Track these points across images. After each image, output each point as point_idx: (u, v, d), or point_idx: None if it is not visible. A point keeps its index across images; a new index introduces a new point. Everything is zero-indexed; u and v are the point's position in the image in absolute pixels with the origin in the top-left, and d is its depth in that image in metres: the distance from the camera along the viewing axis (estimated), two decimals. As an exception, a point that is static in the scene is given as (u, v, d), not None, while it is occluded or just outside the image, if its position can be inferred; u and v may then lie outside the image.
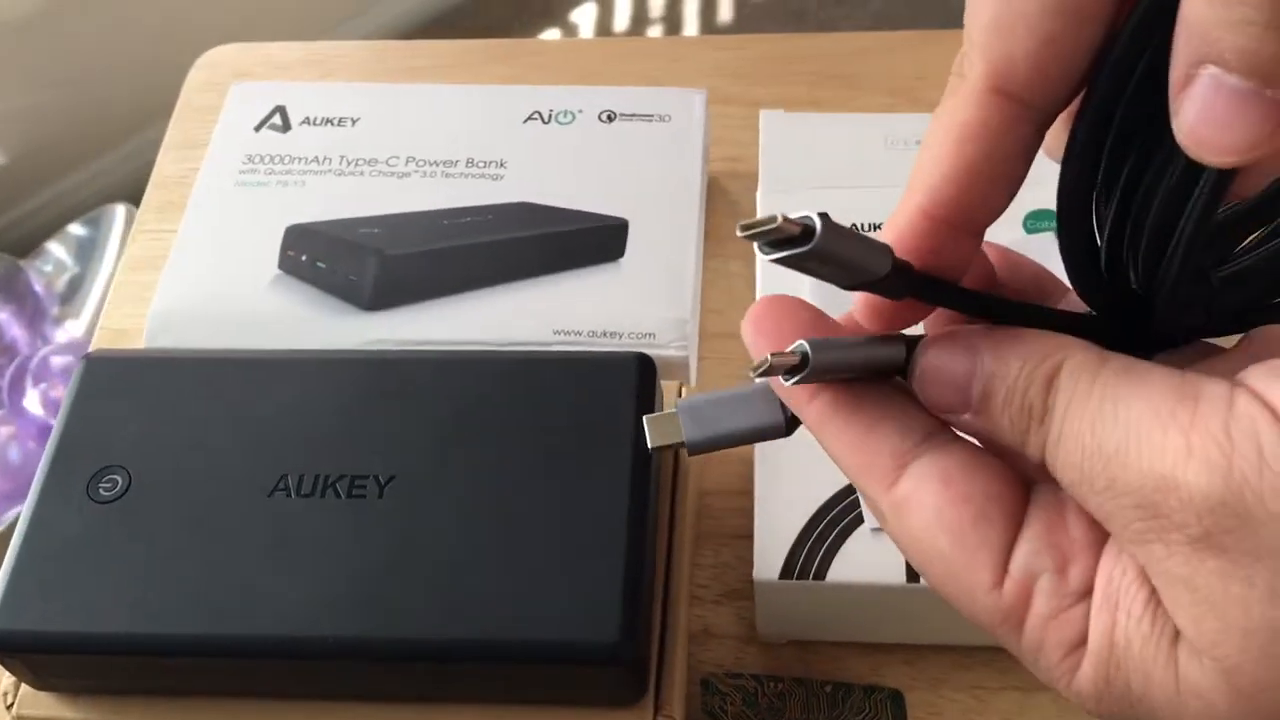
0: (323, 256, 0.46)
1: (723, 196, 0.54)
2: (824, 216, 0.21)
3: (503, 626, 0.35)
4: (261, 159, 0.50)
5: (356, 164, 0.50)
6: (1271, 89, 0.19)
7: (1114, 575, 0.22)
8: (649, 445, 0.26)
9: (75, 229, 1.44)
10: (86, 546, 0.37)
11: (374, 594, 0.36)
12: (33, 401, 1.30)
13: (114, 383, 0.40)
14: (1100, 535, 0.23)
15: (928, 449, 0.24)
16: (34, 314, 1.38)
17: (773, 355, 0.23)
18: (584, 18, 1.71)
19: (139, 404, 0.40)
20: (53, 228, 1.48)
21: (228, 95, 0.53)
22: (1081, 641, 0.22)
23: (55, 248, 1.43)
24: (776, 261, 0.22)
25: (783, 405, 0.26)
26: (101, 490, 0.38)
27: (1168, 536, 0.21)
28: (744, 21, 1.69)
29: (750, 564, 0.44)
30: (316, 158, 0.50)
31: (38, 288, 1.39)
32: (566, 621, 0.35)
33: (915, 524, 0.24)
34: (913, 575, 0.39)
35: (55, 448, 0.39)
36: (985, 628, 0.24)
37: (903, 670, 0.42)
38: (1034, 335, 0.23)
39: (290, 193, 0.49)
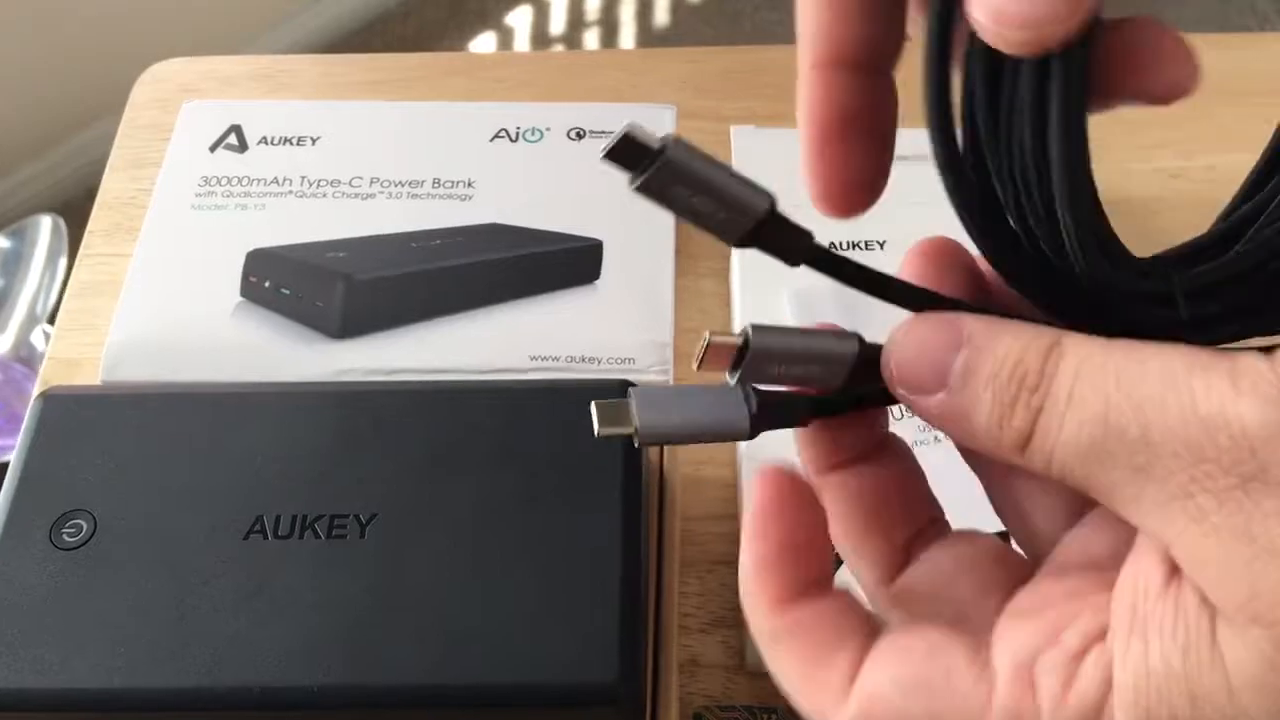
0: (287, 282, 0.44)
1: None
2: (679, 139, 0.21)
3: (495, 669, 0.34)
4: (219, 181, 0.48)
5: (319, 185, 0.48)
6: None
7: (1138, 599, 0.21)
8: (595, 431, 0.24)
9: (-1, 241, 1.40)
10: (51, 596, 0.35)
11: (359, 639, 0.34)
12: (-42, 421, 1.26)
13: (74, 421, 0.39)
14: (1096, 579, 0.22)
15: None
16: (-43, 330, 1.34)
17: (711, 333, 0.23)
18: (519, 21, 1.70)
19: (102, 443, 0.38)
20: (-25, 240, 1.43)
21: (179, 113, 0.51)
22: (1104, 695, 0.21)
23: (-22, 261, 1.39)
24: (639, 190, 0.21)
25: (748, 401, 0.24)
26: (65, 536, 0.36)
27: (1217, 483, 0.19)
28: (680, 25, 1.69)
29: (736, 590, 0.43)
30: (276, 179, 0.48)
31: (-40, 303, 1.35)
32: (562, 662, 0.34)
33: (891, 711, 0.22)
34: (908, 603, 0.38)
35: (14, 491, 0.37)
36: None
37: (894, 696, 0.41)
38: (1023, 321, 0.22)
39: (250, 216, 0.47)
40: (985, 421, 0.22)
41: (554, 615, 0.34)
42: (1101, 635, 0.21)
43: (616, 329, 0.44)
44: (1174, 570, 0.20)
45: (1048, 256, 0.22)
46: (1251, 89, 0.55)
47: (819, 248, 0.23)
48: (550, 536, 0.36)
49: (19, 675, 0.34)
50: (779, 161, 0.50)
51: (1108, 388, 0.20)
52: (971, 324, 0.22)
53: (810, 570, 0.24)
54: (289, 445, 0.38)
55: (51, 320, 1.37)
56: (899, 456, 0.27)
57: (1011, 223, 0.23)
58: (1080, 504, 0.25)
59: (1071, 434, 0.20)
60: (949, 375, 0.22)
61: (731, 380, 0.23)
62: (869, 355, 0.24)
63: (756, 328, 0.22)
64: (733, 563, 0.44)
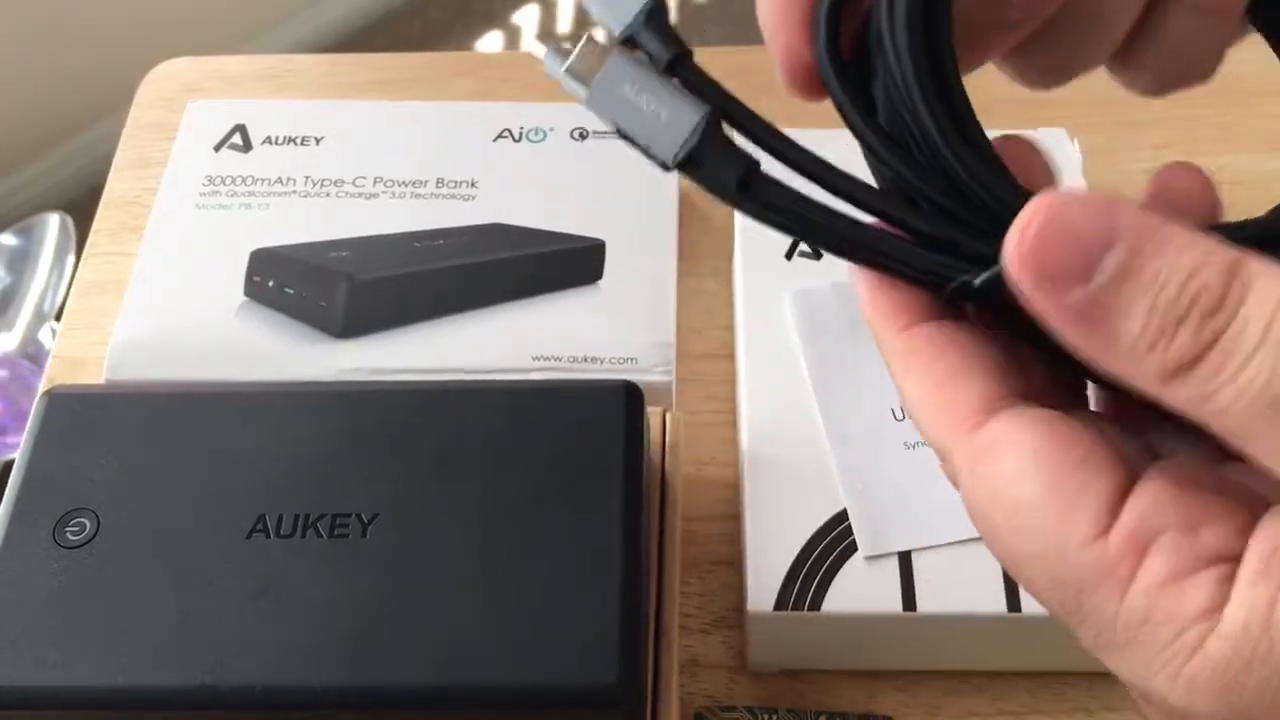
0: (291, 282, 0.45)
1: (695, 213, 0.53)
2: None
3: (496, 670, 0.34)
4: (223, 180, 0.48)
5: (322, 184, 0.48)
6: None
7: None
8: (553, 71, 0.24)
9: (6, 239, 1.40)
10: (54, 595, 0.35)
11: (361, 639, 0.34)
12: (-35, 418, 1.26)
13: (78, 420, 0.39)
14: (1249, 503, 0.19)
15: (1020, 402, 0.21)
16: (-36, 328, 1.34)
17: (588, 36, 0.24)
18: (526, 20, 1.70)
19: (106, 442, 0.38)
20: (-18, 238, 1.43)
21: (184, 113, 0.51)
22: (1207, 616, 0.18)
23: (-14, 259, 1.39)
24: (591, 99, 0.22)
25: (701, 129, 0.23)
26: (69, 534, 0.36)
27: None
28: (687, 24, 1.69)
29: (738, 591, 0.43)
30: (280, 178, 0.48)
31: (-32, 301, 1.35)
32: (563, 663, 0.34)
33: (1004, 468, 0.20)
34: (909, 604, 0.38)
35: (18, 490, 0.37)
36: (1069, 593, 0.19)
37: (896, 697, 0.42)
38: (1184, 226, 0.19)
39: (254, 215, 0.47)
40: (1131, 336, 0.18)
41: (555, 615, 0.35)
42: (1234, 558, 0.19)
43: (619, 329, 0.44)
44: None
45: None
46: (1253, 90, 0.55)
47: (761, 174, 0.23)
48: (551, 536, 0.36)
49: (22, 673, 0.34)
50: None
51: None
52: (1129, 216, 0.19)
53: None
54: (292, 444, 0.38)
55: (59, 318, 1.37)
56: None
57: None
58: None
59: (1256, 378, 0.17)
60: (1102, 269, 0.18)
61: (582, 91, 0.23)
62: (711, 132, 0.23)
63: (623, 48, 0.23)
64: (734, 563, 0.44)
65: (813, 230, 0.23)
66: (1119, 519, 0.19)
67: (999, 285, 0.20)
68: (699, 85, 0.24)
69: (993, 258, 0.20)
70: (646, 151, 0.24)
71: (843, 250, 0.23)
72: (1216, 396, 0.18)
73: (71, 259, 1.37)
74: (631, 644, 0.34)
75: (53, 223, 1.36)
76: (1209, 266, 0.18)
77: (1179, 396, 0.18)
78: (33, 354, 1.37)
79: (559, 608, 0.35)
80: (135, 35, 1.50)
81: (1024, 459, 0.20)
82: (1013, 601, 0.38)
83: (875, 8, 0.23)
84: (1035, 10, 0.25)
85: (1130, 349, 0.18)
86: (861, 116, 0.24)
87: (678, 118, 0.23)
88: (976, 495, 0.20)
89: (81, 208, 1.39)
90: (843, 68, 0.24)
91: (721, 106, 0.24)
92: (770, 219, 0.23)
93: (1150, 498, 0.19)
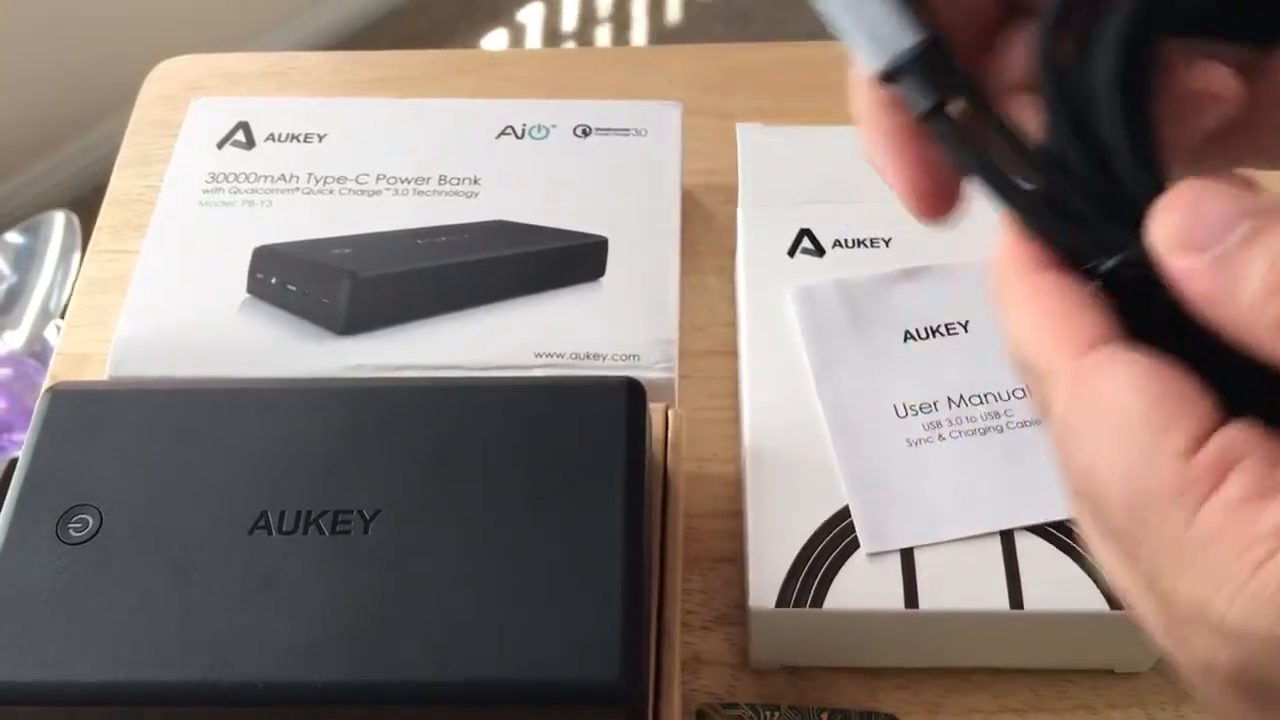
0: (293, 279, 0.45)
1: (698, 210, 0.53)
2: None
3: (497, 667, 0.34)
4: (226, 177, 0.48)
5: (325, 182, 0.48)
6: None
7: None
8: None
9: (12, 237, 1.40)
10: (57, 591, 0.35)
11: (362, 635, 0.34)
12: (-28, 416, 1.27)
13: (81, 416, 0.39)
14: None
15: (1126, 345, 0.22)
16: (-30, 325, 1.34)
17: None
18: (531, 18, 1.70)
19: (109, 439, 0.38)
20: (-12, 236, 1.44)
21: (187, 110, 0.51)
22: (1276, 536, 0.19)
23: (-9, 256, 1.39)
24: None
25: (899, 56, 0.24)
26: (71, 531, 0.36)
27: None
28: (692, 22, 1.69)
29: (739, 588, 0.43)
30: (283, 175, 0.48)
31: (-26, 298, 1.36)
32: (564, 660, 0.34)
33: (1115, 380, 0.21)
34: (911, 601, 0.38)
35: (21, 486, 0.37)
36: (1144, 505, 0.20)
37: (897, 695, 0.42)
38: None
39: (257, 212, 0.47)
40: (1251, 290, 0.20)
41: (556, 612, 0.35)
42: None
43: (621, 326, 0.44)
44: None
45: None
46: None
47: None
48: (553, 533, 0.36)
49: (25, 669, 0.34)
50: (785, 158, 0.50)
51: None
52: (1255, 200, 0.21)
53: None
54: (294, 441, 0.38)
55: (64, 316, 1.37)
56: None
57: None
58: None
59: None
60: (1230, 235, 0.20)
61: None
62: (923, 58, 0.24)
63: None
64: (736, 560, 0.44)
65: (987, 173, 0.24)
66: (1207, 444, 0.20)
67: (1132, 270, 0.22)
68: (928, 19, 0.25)
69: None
70: (855, 52, 0.25)
71: (1005, 194, 0.24)
72: None
73: (77, 257, 1.37)
74: (633, 641, 0.34)
75: (58, 221, 1.36)
76: None
77: None
78: (38, 352, 1.37)
79: (561, 604, 0.35)
80: (138, 34, 1.50)
81: (1135, 374, 0.21)
82: (1015, 599, 0.38)
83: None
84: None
85: (1250, 305, 0.20)
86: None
87: (898, 33, 0.24)
88: (1075, 408, 0.22)
89: (85, 206, 1.40)
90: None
91: (939, 41, 0.25)
92: (949, 148, 0.24)
93: (1238, 433, 0.20)
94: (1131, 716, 0.41)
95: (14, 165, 1.50)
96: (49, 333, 1.36)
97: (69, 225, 1.36)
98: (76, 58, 1.49)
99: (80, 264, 1.46)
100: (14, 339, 1.36)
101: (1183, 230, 0.21)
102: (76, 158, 1.52)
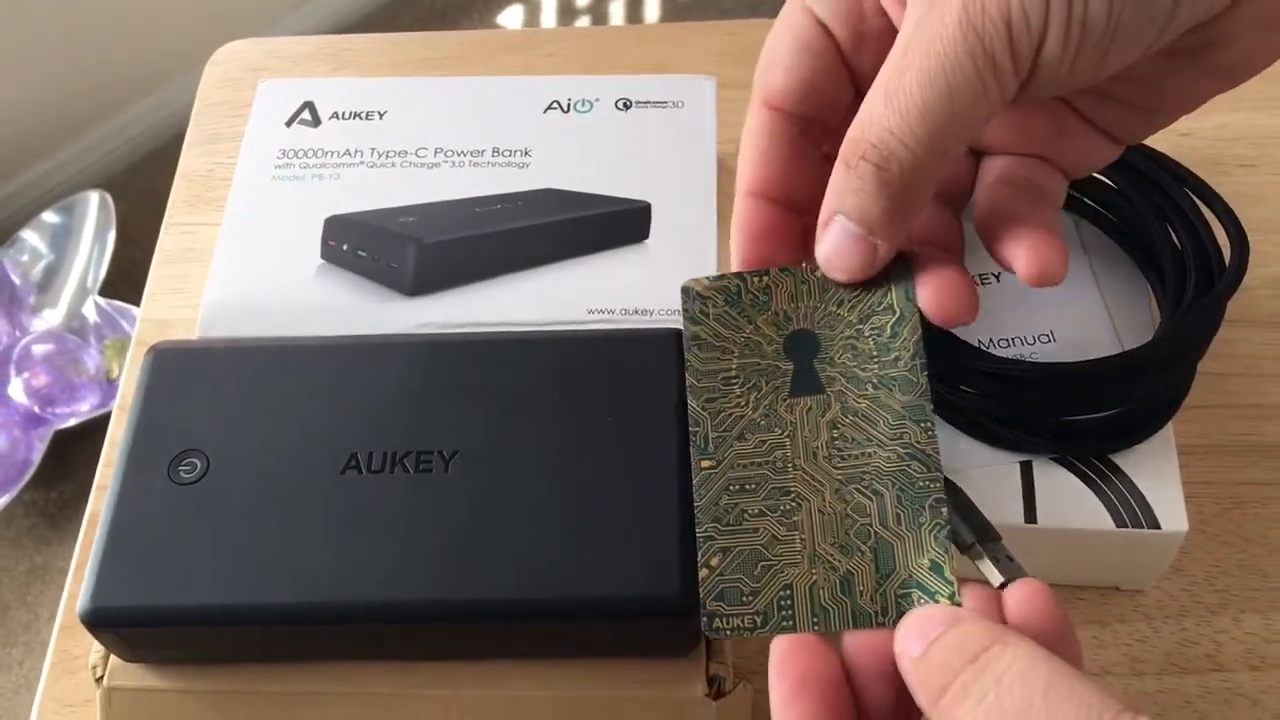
0: (363, 246, 0.48)
1: (731, 179, 0.57)
2: None
3: (571, 586, 0.38)
4: (295, 153, 0.52)
5: (387, 156, 0.52)
6: (873, 235, 0.32)
7: None
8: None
9: (49, 216, 1.44)
10: (172, 526, 0.39)
11: (447, 560, 0.38)
12: (16, 390, 1.31)
13: (182, 371, 0.43)
14: None
15: None
16: (11, 303, 1.39)
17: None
18: (546, -5, 1.73)
19: (209, 391, 0.42)
20: (26, 216, 1.47)
21: (256, 92, 0.55)
22: None
23: (30, 236, 1.43)
24: None
25: None
26: (182, 473, 0.40)
27: None
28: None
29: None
30: (348, 151, 0.52)
31: (14, 277, 1.40)
32: (630, 579, 0.38)
33: None
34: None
35: (133, 434, 0.41)
36: None
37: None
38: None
39: (326, 185, 0.51)
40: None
41: (621, 537, 0.38)
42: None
43: (665, 284, 0.48)
44: None
45: None
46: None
47: None
48: (614, 467, 0.40)
49: (146, 594, 0.38)
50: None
51: None
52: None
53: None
54: (375, 390, 0.42)
55: (102, 293, 1.41)
56: None
57: None
58: None
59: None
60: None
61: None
62: None
63: None
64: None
65: None
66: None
67: None
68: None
69: None
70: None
71: None
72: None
73: (113, 235, 1.41)
74: (691, 560, 0.38)
75: (93, 200, 1.40)
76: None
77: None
78: (77, 328, 1.41)
79: (624, 530, 0.38)
80: (162, 23, 1.54)
81: None
82: (1030, 515, 0.42)
83: None
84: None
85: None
86: None
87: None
88: None
89: (118, 186, 1.43)
90: None
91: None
92: None
93: None
94: (1136, 629, 0.45)
95: (46, 148, 1.54)
96: (87, 309, 1.40)
97: (103, 204, 1.40)
98: (104, 46, 1.52)
99: (113, 242, 1.49)
100: (53, 316, 1.40)
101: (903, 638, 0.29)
102: (107, 140, 1.56)
